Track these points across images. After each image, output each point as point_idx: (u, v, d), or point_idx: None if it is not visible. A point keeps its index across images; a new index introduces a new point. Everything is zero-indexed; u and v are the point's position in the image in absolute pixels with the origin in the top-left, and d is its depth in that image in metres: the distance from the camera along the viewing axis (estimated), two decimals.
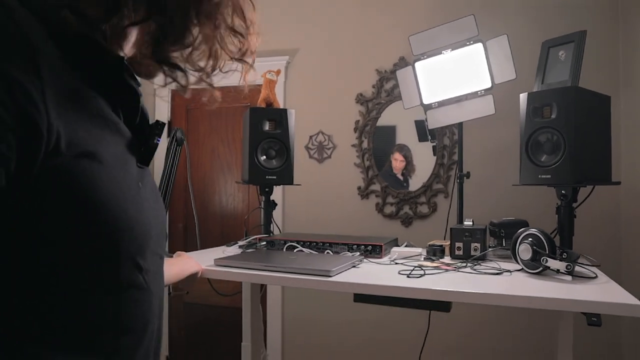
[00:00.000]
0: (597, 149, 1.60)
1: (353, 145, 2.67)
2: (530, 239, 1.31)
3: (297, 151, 2.44)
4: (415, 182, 2.58)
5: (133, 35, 0.57)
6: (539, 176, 1.57)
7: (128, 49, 0.58)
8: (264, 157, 1.90)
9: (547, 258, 1.24)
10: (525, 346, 2.37)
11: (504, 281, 1.23)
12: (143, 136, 0.59)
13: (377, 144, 2.65)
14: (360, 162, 2.66)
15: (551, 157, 1.55)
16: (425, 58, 1.91)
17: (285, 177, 1.92)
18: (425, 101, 1.94)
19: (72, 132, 0.45)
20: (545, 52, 1.68)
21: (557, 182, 1.53)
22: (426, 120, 2.81)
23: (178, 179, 2.98)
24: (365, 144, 2.65)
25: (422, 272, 1.32)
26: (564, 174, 1.50)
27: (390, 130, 2.68)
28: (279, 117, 1.93)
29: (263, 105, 1.98)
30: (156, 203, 0.61)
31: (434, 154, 2.69)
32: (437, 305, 1.79)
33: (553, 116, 1.54)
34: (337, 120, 2.71)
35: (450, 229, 1.58)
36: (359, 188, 2.65)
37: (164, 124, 0.63)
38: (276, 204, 2.03)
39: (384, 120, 2.66)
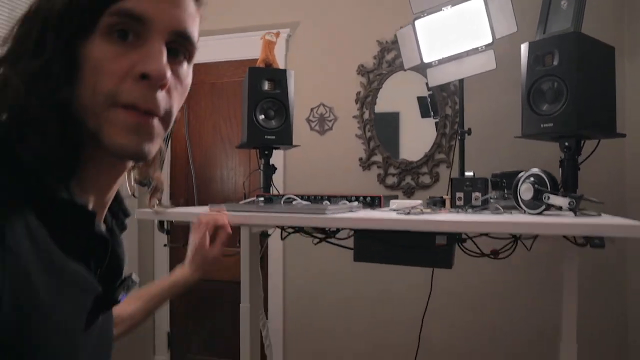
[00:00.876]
0: (601, 98, 1.57)
1: (354, 117, 2.65)
2: (532, 179, 1.28)
3: (298, 123, 2.42)
4: (417, 152, 2.56)
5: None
6: (541, 125, 1.54)
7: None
8: (263, 116, 1.88)
9: (549, 195, 1.21)
10: (529, 325, 2.33)
11: (505, 217, 1.20)
12: (111, 287, 0.60)
13: (380, 132, 2.63)
14: (361, 133, 2.64)
15: (553, 105, 1.52)
16: (425, 16, 1.89)
17: (285, 137, 1.90)
18: (426, 60, 1.91)
19: (22, 291, 0.45)
20: (547, 2, 1.65)
21: (559, 130, 1.50)
22: (428, 97, 2.80)
23: (178, 155, 2.98)
24: (366, 115, 2.63)
25: (420, 211, 1.30)
26: (567, 120, 1.47)
27: (394, 117, 2.66)
28: (279, 77, 1.91)
29: (262, 66, 1.97)
30: (99, 352, 0.62)
31: (437, 131, 2.67)
32: (439, 260, 1.77)
33: (555, 63, 1.51)
34: (338, 92, 2.69)
35: (451, 179, 1.55)
36: (360, 159, 2.63)
37: (135, 282, 0.65)
38: (276, 168, 2.02)
39: (386, 106, 2.63)
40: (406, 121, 2.68)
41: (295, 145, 1.94)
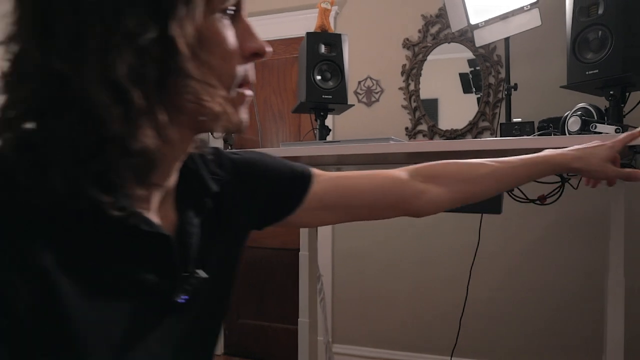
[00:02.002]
0: None
1: (400, 88, 2.78)
2: (579, 112, 1.38)
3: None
4: (462, 121, 2.67)
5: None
6: (587, 73, 1.63)
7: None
8: (320, 77, 2.04)
9: (596, 124, 1.31)
10: (577, 279, 2.40)
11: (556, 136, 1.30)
12: (170, 288, 0.56)
13: (425, 103, 2.75)
14: (407, 104, 2.76)
15: (598, 53, 1.61)
16: None
17: (340, 97, 2.05)
18: (473, 21, 2.02)
19: (43, 299, 0.45)
20: None
21: (604, 74, 1.59)
22: (470, 74, 2.90)
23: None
24: (412, 86, 2.75)
25: None
26: (612, 65, 1.56)
27: (432, 104, 2.77)
28: (334, 41, 2.06)
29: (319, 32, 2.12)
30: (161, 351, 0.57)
31: (478, 105, 2.77)
32: (488, 205, 1.88)
33: (600, 12, 1.61)
34: (385, 66, 2.82)
35: (500, 124, 1.66)
36: (406, 129, 2.76)
37: (201, 279, 0.59)
38: (330, 129, 2.17)
39: (425, 92, 2.75)
40: (449, 93, 2.79)
41: (350, 105, 2.09)
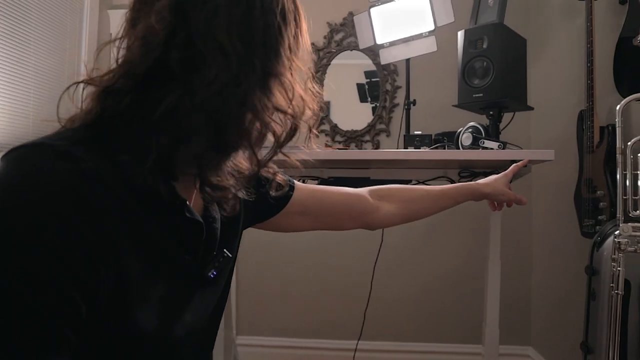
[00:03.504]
0: (516, 77, 2.02)
1: None
2: (470, 129, 1.69)
3: None
4: (362, 122, 2.94)
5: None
6: (473, 95, 1.97)
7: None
8: None
9: (485, 140, 1.63)
10: (467, 263, 2.82)
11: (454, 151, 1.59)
12: (203, 265, 0.66)
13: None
14: None
15: (483, 80, 1.95)
16: (380, 4, 2.25)
17: None
18: (379, 41, 2.27)
19: (116, 267, 0.52)
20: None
21: (488, 97, 1.93)
22: (366, 85, 3.18)
23: None
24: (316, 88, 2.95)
25: None
26: (493, 90, 1.91)
27: (325, 106, 3.01)
28: None
29: None
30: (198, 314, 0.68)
31: (373, 114, 3.05)
32: None
33: (484, 47, 1.95)
34: None
35: (404, 135, 1.93)
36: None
37: (227, 257, 0.69)
38: None
39: (333, 80, 2.97)
40: (346, 96, 3.04)
41: None
